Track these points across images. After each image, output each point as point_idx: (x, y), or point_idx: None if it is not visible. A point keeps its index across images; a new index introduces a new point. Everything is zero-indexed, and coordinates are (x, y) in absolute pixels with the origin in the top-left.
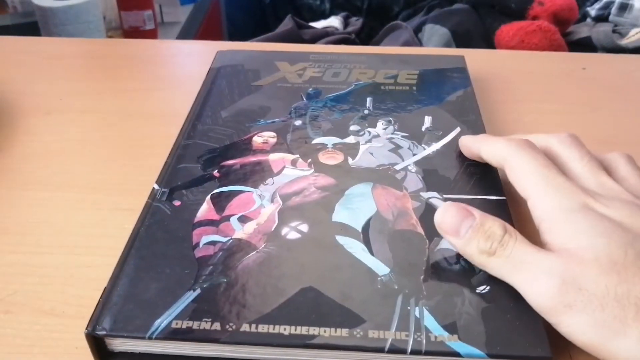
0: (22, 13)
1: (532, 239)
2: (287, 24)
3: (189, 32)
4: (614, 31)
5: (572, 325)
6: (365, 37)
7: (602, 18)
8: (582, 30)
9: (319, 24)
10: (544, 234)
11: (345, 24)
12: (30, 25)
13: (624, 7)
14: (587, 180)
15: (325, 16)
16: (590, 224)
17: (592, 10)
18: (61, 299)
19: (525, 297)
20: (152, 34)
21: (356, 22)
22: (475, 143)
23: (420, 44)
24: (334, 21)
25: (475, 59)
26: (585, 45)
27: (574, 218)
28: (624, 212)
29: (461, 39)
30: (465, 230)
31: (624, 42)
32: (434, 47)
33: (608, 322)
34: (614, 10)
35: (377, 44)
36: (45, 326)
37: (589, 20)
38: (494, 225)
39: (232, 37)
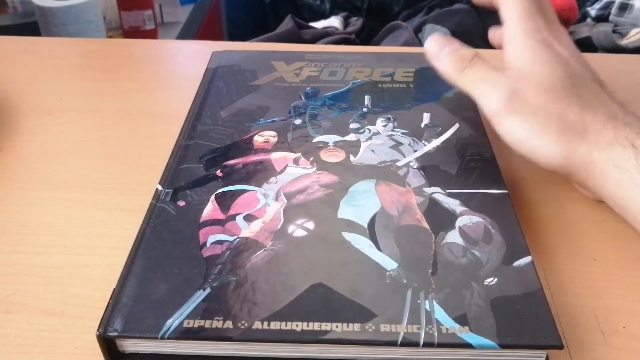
0: (22, 13)
1: (536, 235)
2: (287, 24)
3: (189, 32)
4: (614, 31)
5: (511, 125)
6: (365, 37)
7: (602, 18)
8: (582, 30)
9: (319, 24)
10: (508, 54)
11: (346, 24)
12: (30, 25)
13: (624, 7)
14: (554, 27)
15: (325, 16)
16: (545, 55)
17: (592, 10)
18: (61, 299)
19: (481, 104)
20: (152, 34)
21: (356, 22)
22: None
23: (420, 44)
24: (334, 21)
25: None
26: (585, 45)
27: (535, 46)
28: (572, 54)
29: (461, 39)
30: (445, 54)
31: (624, 42)
32: None
33: (535, 126)
34: (614, 10)
35: (377, 44)
36: (45, 326)
37: (589, 20)
38: (467, 50)
39: (232, 37)
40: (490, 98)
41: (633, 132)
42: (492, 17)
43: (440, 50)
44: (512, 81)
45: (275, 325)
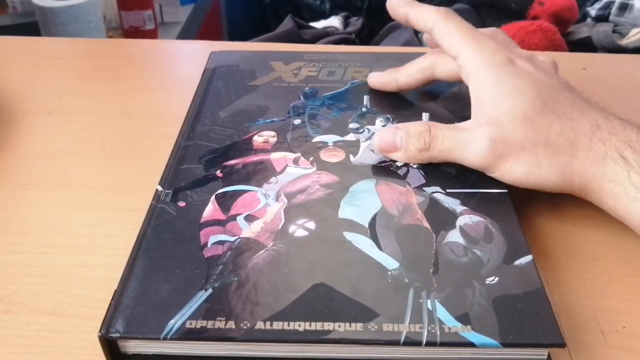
0: (22, 13)
1: (536, 235)
2: (287, 24)
3: (189, 32)
4: (614, 31)
5: (506, 169)
6: (365, 37)
7: (602, 18)
8: (582, 30)
9: (319, 24)
10: (473, 90)
11: (346, 24)
12: (30, 25)
13: (624, 7)
14: (500, 38)
15: (325, 16)
16: (509, 82)
17: (592, 10)
18: (61, 299)
19: (466, 163)
20: (152, 34)
21: (356, 22)
22: (402, 7)
23: (420, 44)
24: (334, 21)
25: None
26: (585, 45)
27: (496, 75)
28: (533, 62)
29: None
30: (399, 141)
31: (624, 42)
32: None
33: (527, 160)
34: (614, 10)
35: (377, 44)
36: (45, 326)
37: (589, 20)
38: (418, 125)
39: (232, 37)
40: (473, 157)
41: (620, 141)
42: (492, 17)
43: (393, 141)
44: (484, 129)
45: (277, 325)
